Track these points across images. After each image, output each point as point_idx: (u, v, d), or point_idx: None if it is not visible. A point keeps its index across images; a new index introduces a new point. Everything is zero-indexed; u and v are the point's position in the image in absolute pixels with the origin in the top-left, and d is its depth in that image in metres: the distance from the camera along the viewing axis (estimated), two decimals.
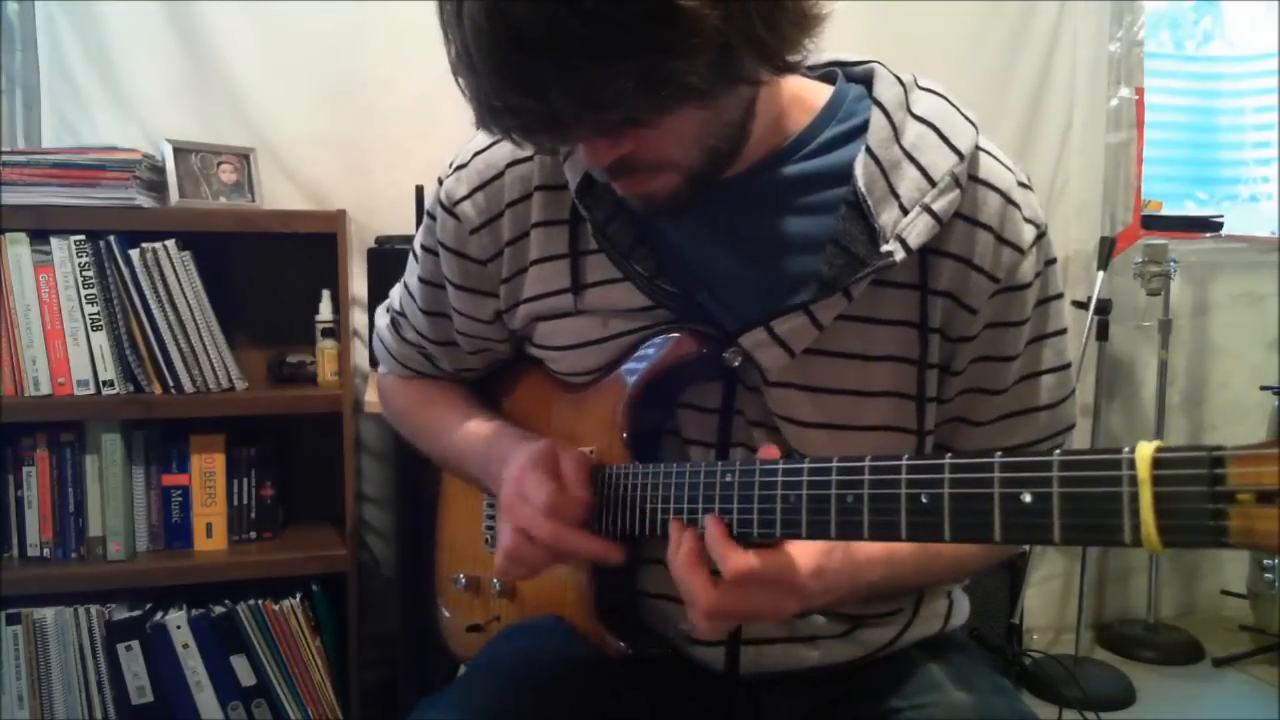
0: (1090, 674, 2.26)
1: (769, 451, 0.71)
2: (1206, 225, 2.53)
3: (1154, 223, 2.52)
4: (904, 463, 0.60)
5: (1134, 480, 0.50)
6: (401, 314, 1.03)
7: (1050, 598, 2.56)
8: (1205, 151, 2.79)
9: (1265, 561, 2.46)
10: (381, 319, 1.08)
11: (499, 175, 0.88)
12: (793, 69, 0.70)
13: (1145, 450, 0.50)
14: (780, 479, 0.67)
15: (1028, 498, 0.54)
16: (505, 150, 0.88)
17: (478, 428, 0.96)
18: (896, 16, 2.30)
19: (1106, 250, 2.34)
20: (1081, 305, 2.35)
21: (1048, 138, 2.46)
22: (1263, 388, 2.54)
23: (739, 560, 0.68)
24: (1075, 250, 2.50)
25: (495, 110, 0.65)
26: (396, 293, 1.06)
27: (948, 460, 0.58)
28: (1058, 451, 0.54)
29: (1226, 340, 2.74)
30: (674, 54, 0.61)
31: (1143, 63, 2.52)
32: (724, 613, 0.70)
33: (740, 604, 0.70)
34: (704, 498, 0.72)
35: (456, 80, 0.67)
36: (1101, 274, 2.33)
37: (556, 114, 0.63)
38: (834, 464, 0.64)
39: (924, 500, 0.59)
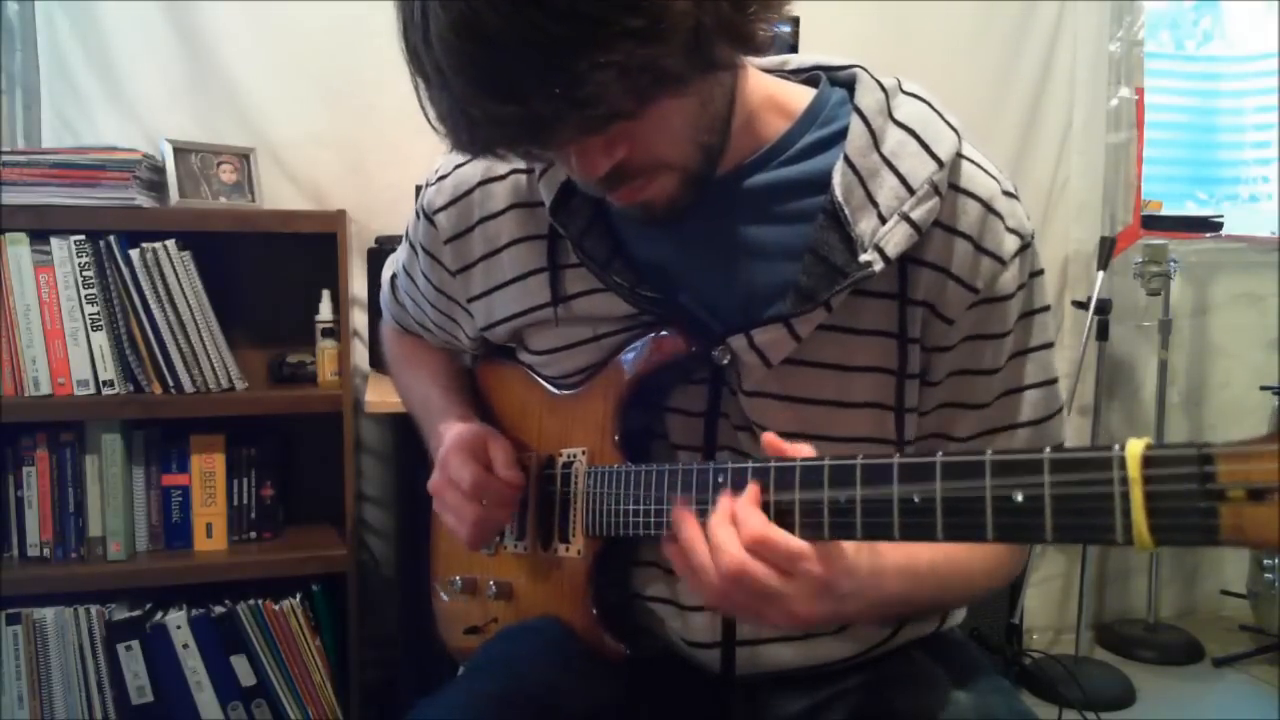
0: (1090, 674, 2.26)
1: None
2: (1206, 225, 2.54)
3: (1154, 223, 2.52)
4: (895, 462, 0.60)
5: (1125, 479, 0.49)
6: (396, 277, 1.08)
7: (1050, 598, 2.56)
8: (1205, 151, 2.79)
9: (1265, 561, 2.46)
10: (387, 271, 1.12)
11: (469, 192, 0.90)
12: (762, 50, 0.70)
13: (1135, 448, 0.49)
14: (772, 480, 0.66)
15: (1019, 497, 0.54)
16: (479, 167, 0.89)
17: (437, 401, 1.02)
18: (897, 16, 2.30)
19: (1106, 250, 2.34)
20: (1081, 305, 2.35)
21: (1048, 138, 2.46)
22: (1263, 388, 2.54)
23: (784, 539, 0.63)
24: (1075, 250, 2.49)
25: (475, 122, 0.65)
26: (398, 255, 1.08)
27: (939, 460, 0.58)
28: (1048, 450, 0.53)
29: (1226, 340, 2.74)
30: (649, 41, 0.61)
31: (1143, 63, 2.52)
32: (739, 577, 0.63)
33: (765, 582, 0.63)
34: (696, 500, 0.72)
35: (427, 117, 0.68)
36: (1101, 274, 2.32)
37: (539, 117, 0.63)
38: (825, 464, 0.64)
39: (916, 500, 0.58)
